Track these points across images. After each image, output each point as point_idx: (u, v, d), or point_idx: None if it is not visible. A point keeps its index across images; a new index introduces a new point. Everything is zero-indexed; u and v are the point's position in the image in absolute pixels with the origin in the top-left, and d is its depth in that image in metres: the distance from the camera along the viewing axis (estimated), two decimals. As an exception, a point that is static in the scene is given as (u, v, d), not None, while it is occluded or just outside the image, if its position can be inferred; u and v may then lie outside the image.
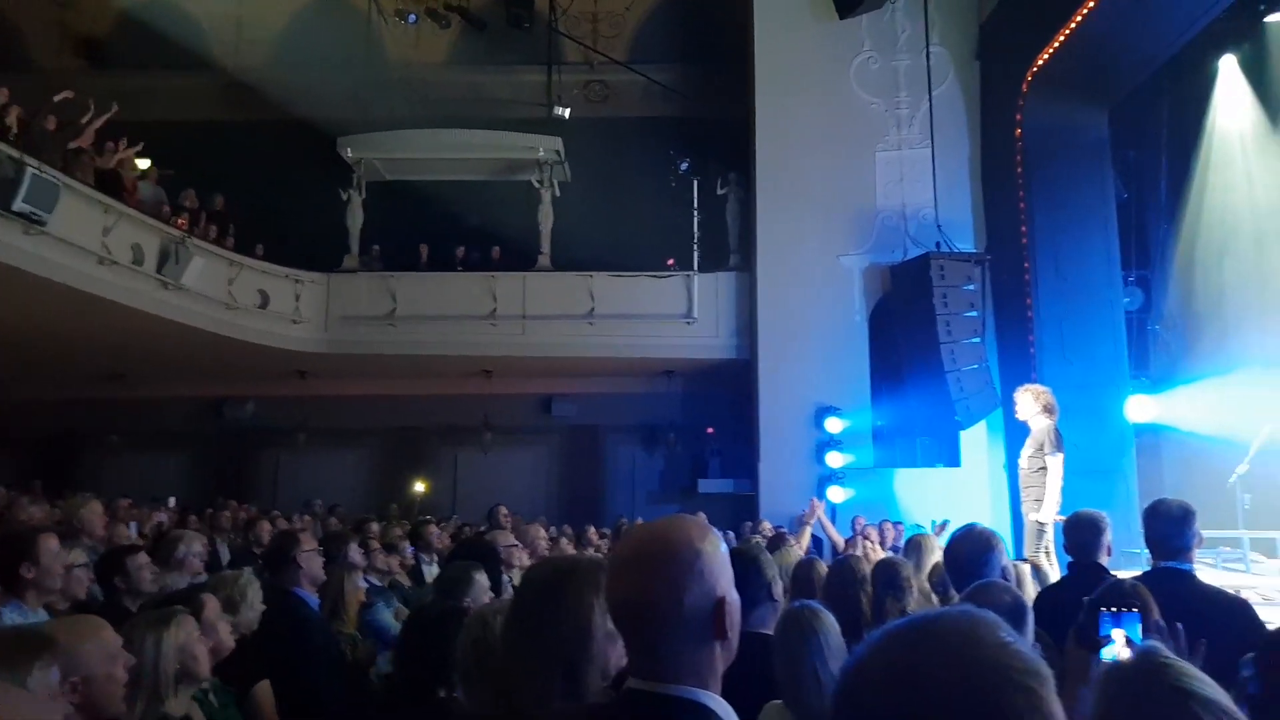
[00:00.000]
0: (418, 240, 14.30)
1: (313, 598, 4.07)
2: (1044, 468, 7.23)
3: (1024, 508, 7.53)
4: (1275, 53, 10.83)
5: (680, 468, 15.40)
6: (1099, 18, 10.18)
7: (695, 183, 13.90)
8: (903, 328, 12.09)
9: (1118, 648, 1.89)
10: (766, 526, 9.53)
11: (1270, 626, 3.28)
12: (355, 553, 5.59)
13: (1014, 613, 2.51)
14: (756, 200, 13.18)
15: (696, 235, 13.66)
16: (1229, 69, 11.32)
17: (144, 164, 12.38)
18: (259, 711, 3.32)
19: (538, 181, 14.16)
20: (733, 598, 1.44)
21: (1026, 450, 7.42)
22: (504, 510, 8.36)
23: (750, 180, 13.40)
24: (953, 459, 12.30)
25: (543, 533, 6.35)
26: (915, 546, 5.31)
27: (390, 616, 5.16)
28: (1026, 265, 11.73)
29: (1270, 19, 10.74)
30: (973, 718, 0.84)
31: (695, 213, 13.76)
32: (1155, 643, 1.68)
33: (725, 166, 14.11)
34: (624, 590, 1.46)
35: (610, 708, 1.53)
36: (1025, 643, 0.90)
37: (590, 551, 8.25)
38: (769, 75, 13.19)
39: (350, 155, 14.20)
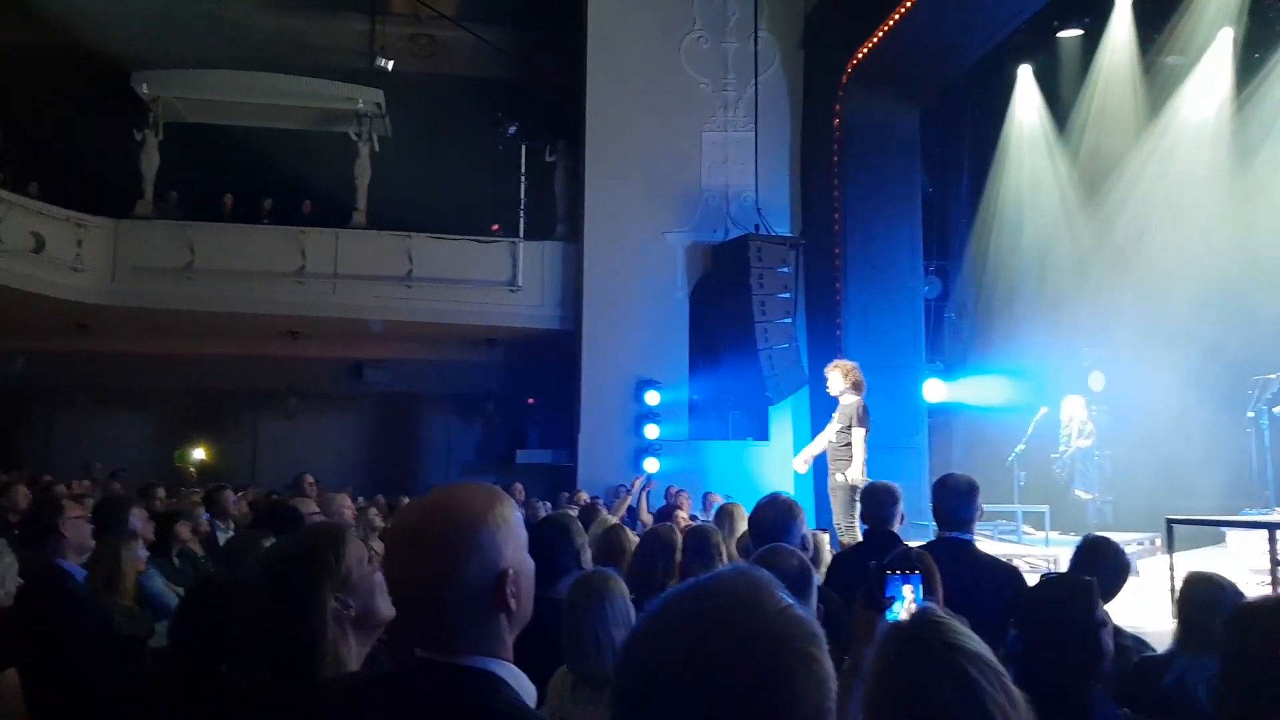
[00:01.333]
0: (221, 189, 13.34)
1: (78, 569, 3.69)
2: (850, 443, 7.59)
3: (831, 482, 7.89)
4: (1065, 65, 11.74)
5: (498, 438, 15.21)
6: (914, 20, 10.69)
7: (523, 148, 13.66)
8: (721, 305, 12.40)
9: (899, 608, 1.99)
10: (582, 496, 9.55)
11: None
12: (137, 518, 5.14)
13: (800, 576, 2.59)
14: (585, 171, 13.10)
15: (523, 202, 13.44)
16: (1025, 77, 12.17)
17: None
18: (2, 703, 2.98)
19: (356, 135, 13.49)
20: (524, 566, 1.42)
21: (834, 425, 7.76)
22: (309, 479, 7.99)
23: (580, 150, 13.29)
24: (762, 433, 12.74)
25: (348, 502, 6.07)
26: (726, 515, 5.47)
27: (161, 584, 4.81)
28: (838, 251, 12.25)
29: (1062, 34, 11.60)
30: (754, 684, 0.87)
31: (523, 179, 13.54)
32: (930, 604, 1.78)
33: (555, 134, 13.92)
34: (400, 568, 1.41)
35: (396, 678, 1.46)
36: (802, 605, 0.94)
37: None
38: (601, 45, 13.10)
39: (146, 92, 13.04)
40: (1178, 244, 10.88)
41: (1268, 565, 6.27)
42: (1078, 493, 11.03)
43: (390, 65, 13.85)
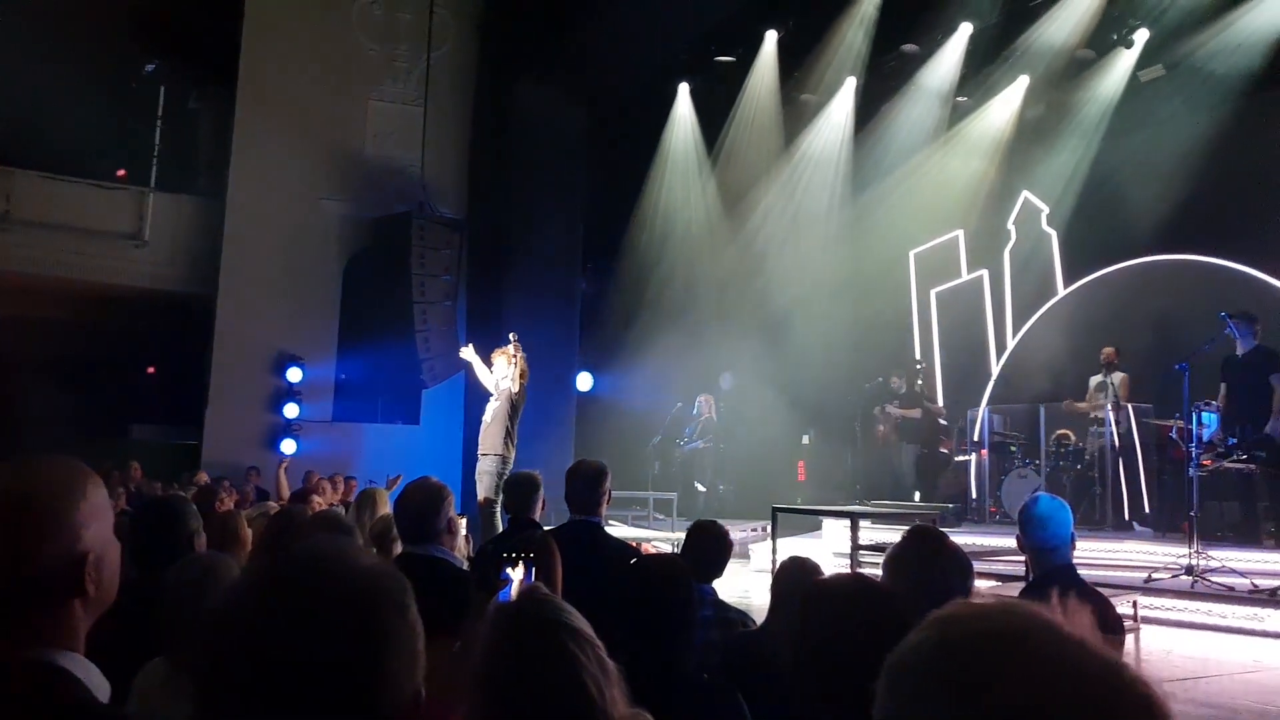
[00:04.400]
0: None
1: None
2: (505, 424, 7.76)
3: (480, 465, 7.95)
4: (719, 87, 12.65)
5: (109, 410, 13.53)
6: (585, 24, 11.04)
7: (162, 89, 12.27)
8: (378, 282, 11.97)
9: (512, 589, 2.04)
10: (203, 477, 8.78)
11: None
12: None
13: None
14: (235, 123, 12.04)
15: (157, 148, 12.07)
16: (684, 94, 12.95)
17: None
18: None
19: (-59, 42, 11.31)
20: (108, 550, 1.31)
21: (492, 405, 7.89)
22: None
23: (230, 100, 12.17)
24: (413, 417, 12.48)
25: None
26: (368, 499, 5.35)
27: None
28: (502, 240, 12.32)
29: (719, 59, 12.50)
30: (350, 631, 0.91)
31: (159, 123, 12.17)
32: (537, 583, 1.85)
33: (202, 79, 12.65)
34: None
35: None
36: (389, 564, 1.01)
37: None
38: (264, -8, 12.14)
39: None
40: (799, 261, 12.24)
41: (849, 549, 7.20)
42: (695, 484, 11.99)
43: (-7, -35, 11.78)
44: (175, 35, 12.66)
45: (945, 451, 11.10)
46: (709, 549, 3.78)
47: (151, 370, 13.41)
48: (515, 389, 7.93)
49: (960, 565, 2.09)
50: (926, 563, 2.09)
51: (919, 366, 11.37)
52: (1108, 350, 9.59)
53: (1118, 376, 9.42)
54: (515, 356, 7.97)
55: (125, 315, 13.26)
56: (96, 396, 13.62)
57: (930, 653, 0.66)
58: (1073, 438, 9.60)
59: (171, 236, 12.08)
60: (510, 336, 8.21)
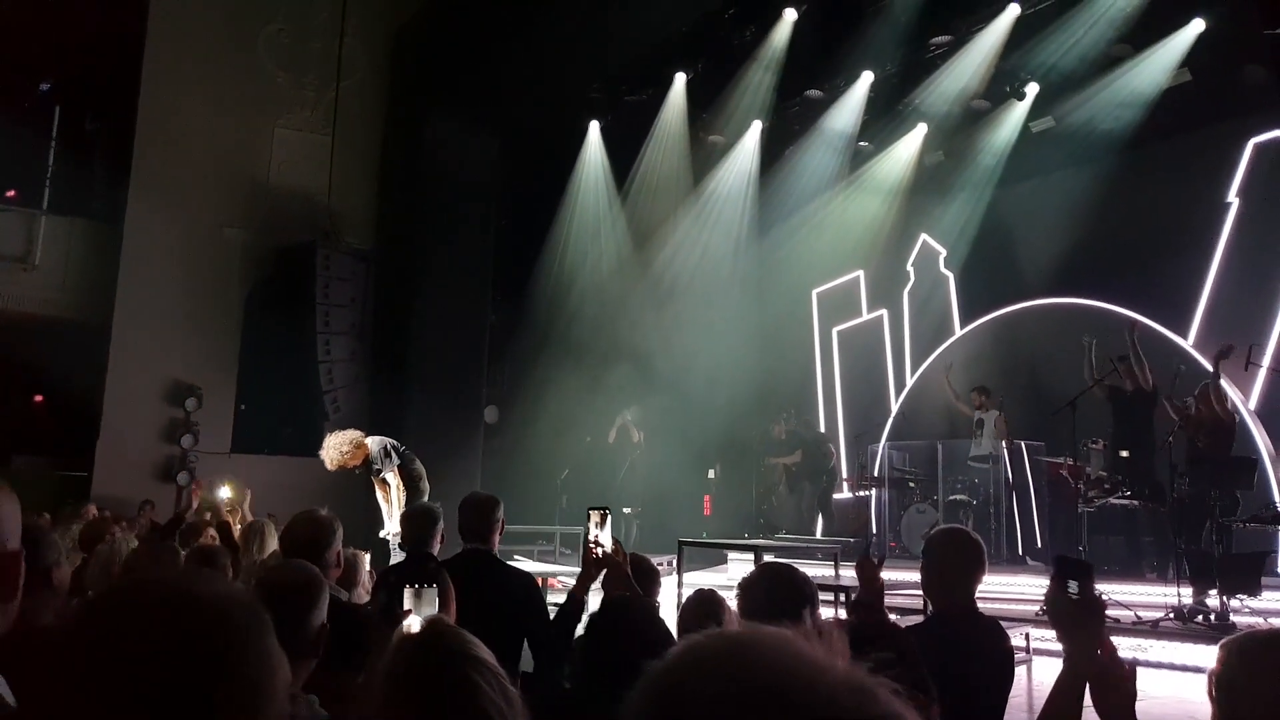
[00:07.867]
0: None
1: None
2: (414, 472, 7.62)
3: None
4: (630, 127, 12.79)
5: (-10, 439, 12.87)
6: (500, 58, 11.08)
7: (58, 110, 11.89)
8: (281, 312, 11.73)
9: (414, 620, 2.02)
10: (91, 510, 8.39)
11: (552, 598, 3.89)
12: None
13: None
14: (135, 146, 11.74)
15: (51, 170, 11.67)
16: (594, 134, 13.03)
17: None
18: None
19: None
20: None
21: (388, 483, 7.77)
22: None
23: (130, 122, 11.86)
24: (315, 449, 12.16)
25: None
26: (256, 532, 5.26)
27: None
28: (410, 272, 12.18)
29: (629, 98, 12.66)
30: (191, 657, 0.89)
31: (53, 144, 11.76)
32: (441, 614, 1.85)
33: (100, 101, 12.31)
34: None
35: None
36: (244, 594, 1.00)
37: None
38: (166, 15, 11.88)
39: None
40: (706, 298, 12.40)
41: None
42: (624, 510, 11.95)
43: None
44: (72, 55, 12.31)
45: (846, 484, 11.32)
46: (642, 583, 3.67)
47: (39, 399, 12.81)
48: (379, 449, 7.77)
49: (799, 593, 2.27)
50: (769, 591, 2.32)
51: (787, 414, 11.63)
52: (973, 393, 9.95)
53: (992, 415, 9.77)
54: (352, 451, 7.79)
55: (11, 340, 12.66)
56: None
57: (659, 677, 0.68)
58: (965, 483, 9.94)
59: (63, 261, 11.68)
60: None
